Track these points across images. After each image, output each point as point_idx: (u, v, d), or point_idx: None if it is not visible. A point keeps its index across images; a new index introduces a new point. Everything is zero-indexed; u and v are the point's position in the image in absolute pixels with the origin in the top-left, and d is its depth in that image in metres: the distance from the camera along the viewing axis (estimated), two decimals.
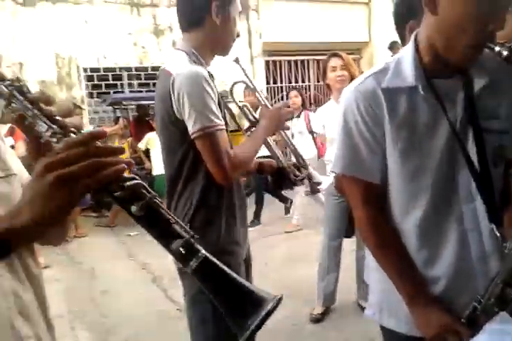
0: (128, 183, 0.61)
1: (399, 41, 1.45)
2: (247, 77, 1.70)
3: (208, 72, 1.45)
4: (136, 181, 0.62)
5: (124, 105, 6.23)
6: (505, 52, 0.94)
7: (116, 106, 6.80)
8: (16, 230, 0.58)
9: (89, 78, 7.02)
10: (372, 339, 2.65)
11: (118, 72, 7.17)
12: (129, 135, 6.09)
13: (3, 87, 0.68)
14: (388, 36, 7.15)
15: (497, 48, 0.95)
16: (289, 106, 1.73)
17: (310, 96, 8.79)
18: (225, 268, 0.65)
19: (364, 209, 1.14)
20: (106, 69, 7.05)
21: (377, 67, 1.14)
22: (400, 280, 1.11)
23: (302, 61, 8.76)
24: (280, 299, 0.65)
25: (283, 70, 8.63)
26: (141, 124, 6.28)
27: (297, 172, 1.77)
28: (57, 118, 0.67)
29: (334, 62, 2.79)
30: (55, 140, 0.65)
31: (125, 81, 7.26)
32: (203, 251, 0.63)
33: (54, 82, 6.70)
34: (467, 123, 1.04)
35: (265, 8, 8.08)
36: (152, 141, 5.63)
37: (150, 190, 0.63)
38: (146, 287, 3.69)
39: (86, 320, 3.20)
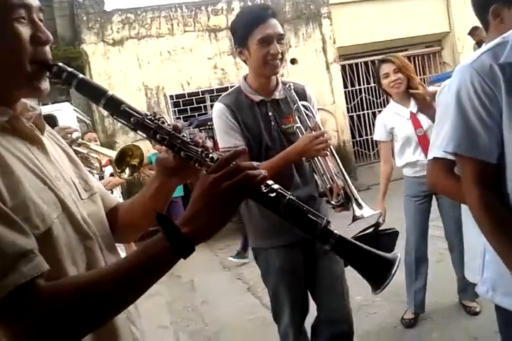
0: (273, 186, 0.77)
1: (480, 26, 1.41)
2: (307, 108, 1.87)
3: (254, 100, 1.85)
4: (277, 185, 0.77)
5: (209, 126, 6.53)
6: None
7: (201, 128, 7.16)
8: (196, 232, 0.72)
9: (176, 104, 7.49)
10: (475, 338, 2.53)
11: (201, 96, 7.57)
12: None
13: (149, 122, 0.82)
14: (470, 23, 6.81)
15: None
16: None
17: None
18: (355, 242, 0.79)
19: (477, 189, 1.11)
20: (190, 94, 7.48)
21: (493, 42, 1.10)
22: (509, 257, 1.08)
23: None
24: (400, 258, 0.79)
25: (360, 72, 8.51)
26: None
27: (333, 200, 1.81)
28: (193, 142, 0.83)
29: (385, 68, 2.72)
30: (208, 159, 0.80)
31: (208, 103, 7.64)
32: (336, 231, 0.78)
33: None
34: None
35: (337, 13, 8.07)
36: None
37: (285, 190, 0.78)
38: (242, 296, 3.84)
39: (189, 329, 3.42)
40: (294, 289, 1.89)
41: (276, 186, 0.76)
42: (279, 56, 1.78)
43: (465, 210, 1.24)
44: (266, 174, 0.74)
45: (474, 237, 1.40)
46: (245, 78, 1.92)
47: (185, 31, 7.51)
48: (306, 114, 1.85)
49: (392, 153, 2.92)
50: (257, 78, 1.87)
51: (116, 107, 0.82)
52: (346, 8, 8.10)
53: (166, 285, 4.30)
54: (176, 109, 7.53)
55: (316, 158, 1.81)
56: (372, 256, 0.78)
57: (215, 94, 7.57)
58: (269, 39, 1.75)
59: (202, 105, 7.60)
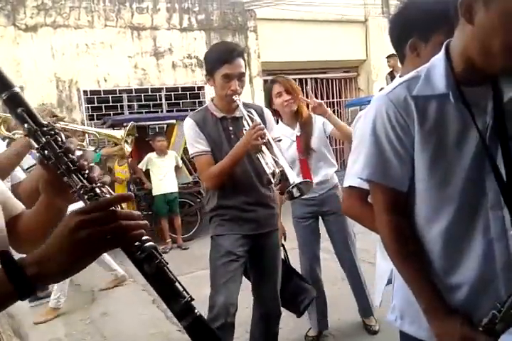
0: (146, 245, 0.70)
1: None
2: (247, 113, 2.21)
3: (219, 117, 2.21)
4: (151, 243, 0.70)
5: (124, 126, 6.24)
6: None
7: (116, 128, 6.83)
8: (43, 275, 0.65)
9: (90, 101, 7.09)
10: None
11: (118, 94, 7.24)
12: (128, 155, 6.09)
13: (42, 137, 0.74)
14: (385, 53, 7.26)
15: None
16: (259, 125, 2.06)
17: None
18: (211, 326, 0.75)
19: (388, 216, 1.13)
20: (106, 92, 7.12)
21: (408, 75, 1.14)
22: (418, 289, 1.11)
23: (300, 79, 8.83)
24: None
25: None
26: (140, 145, 6.29)
27: (275, 180, 2.11)
28: (87, 171, 0.73)
29: (277, 87, 2.75)
30: (86, 196, 0.71)
31: (125, 103, 7.32)
32: (196, 311, 0.73)
33: (54, 105, 6.75)
34: (495, 132, 1.04)
35: (263, 28, 8.21)
36: (152, 162, 5.64)
37: (159, 252, 0.72)
38: (147, 308, 3.64)
39: None
40: (234, 274, 2.16)
41: (149, 245, 0.70)
42: (238, 91, 2.15)
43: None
44: (143, 232, 0.69)
45: (384, 263, 1.43)
46: (212, 100, 2.29)
47: (106, 25, 7.16)
48: (250, 118, 2.19)
49: None
50: (221, 101, 2.23)
51: (15, 107, 0.74)
52: (272, 24, 8.28)
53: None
54: (90, 105, 7.12)
55: (260, 152, 2.09)
56: None
57: (134, 94, 7.29)
58: (231, 77, 2.11)
59: (118, 104, 7.27)
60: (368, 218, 1.25)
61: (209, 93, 7.38)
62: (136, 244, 0.69)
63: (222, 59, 2.09)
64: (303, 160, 2.78)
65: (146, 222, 0.70)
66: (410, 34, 1.30)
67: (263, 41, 8.20)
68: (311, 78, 8.94)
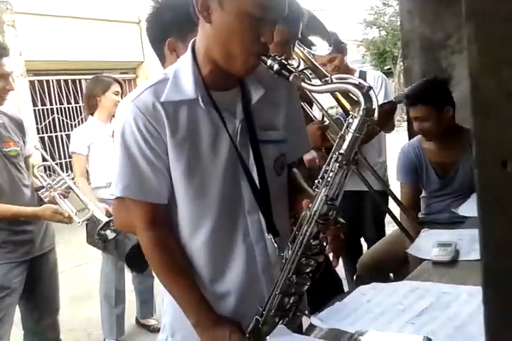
0: None
1: None
2: None
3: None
4: None
5: None
6: (276, 66, 0.95)
7: None
8: None
9: None
10: None
11: None
12: None
13: None
14: None
15: (269, 61, 0.96)
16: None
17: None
18: None
19: (150, 231, 1.08)
20: None
21: (154, 78, 1.07)
22: (186, 303, 1.08)
23: (73, 80, 8.21)
24: None
25: (52, 91, 7.92)
26: None
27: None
28: None
29: (117, 86, 3.00)
30: None
31: None
32: None
33: None
34: (246, 135, 1.06)
35: (23, 23, 7.32)
36: None
37: None
38: None
39: None
40: (7, 311, 1.94)
41: None
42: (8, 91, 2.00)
43: None
44: None
45: None
46: None
47: None
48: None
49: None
50: None
51: None
52: (35, 19, 7.46)
53: None
54: None
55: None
56: None
57: None
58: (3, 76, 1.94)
59: None
60: None
61: None
62: None
63: None
64: None
65: None
66: (167, 34, 1.26)
67: (26, 38, 7.31)
68: (85, 79, 8.38)
